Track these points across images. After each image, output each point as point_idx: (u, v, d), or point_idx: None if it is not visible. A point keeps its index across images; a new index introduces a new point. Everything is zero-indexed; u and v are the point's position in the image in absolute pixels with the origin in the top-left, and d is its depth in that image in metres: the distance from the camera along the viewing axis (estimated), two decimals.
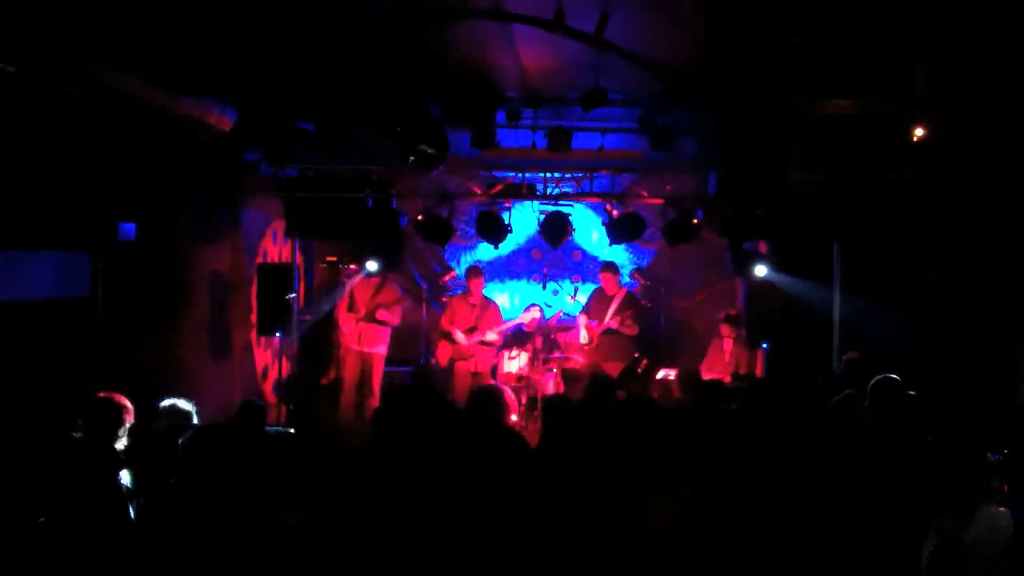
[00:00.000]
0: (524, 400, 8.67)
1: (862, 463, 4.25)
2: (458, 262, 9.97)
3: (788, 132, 7.24)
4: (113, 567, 3.66)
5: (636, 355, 8.40)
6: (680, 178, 9.18)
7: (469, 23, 5.94)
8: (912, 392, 4.54)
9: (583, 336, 8.94)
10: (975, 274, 7.59)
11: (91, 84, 5.07)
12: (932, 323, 7.62)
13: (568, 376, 8.75)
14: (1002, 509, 3.81)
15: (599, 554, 3.83)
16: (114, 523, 3.84)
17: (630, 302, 8.85)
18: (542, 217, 8.36)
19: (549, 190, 8.80)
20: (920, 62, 6.39)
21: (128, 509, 3.94)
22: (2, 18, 4.27)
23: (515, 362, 9.09)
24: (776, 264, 8.12)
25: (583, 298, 9.41)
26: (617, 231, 8.30)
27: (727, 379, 7.69)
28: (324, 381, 9.16)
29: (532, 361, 8.96)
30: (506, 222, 8.20)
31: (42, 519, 3.75)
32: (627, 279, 9.56)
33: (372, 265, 8.24)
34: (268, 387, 8.84)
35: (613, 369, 8.09)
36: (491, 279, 9.78)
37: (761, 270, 8.08)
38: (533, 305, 9.26)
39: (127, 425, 4.25)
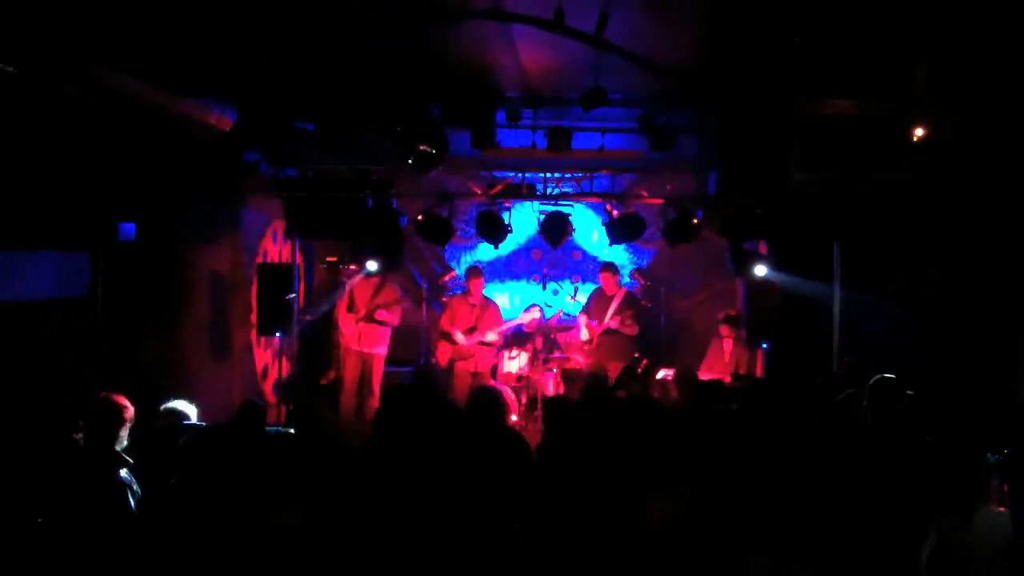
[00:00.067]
0: (524, 400, 8.68)
1: (862, 463, 4.25)
2: (458, 262, 9.97)
3: (788, 132, 7.24)
4: (114, 567, 3.66)
5: (636, 355, 8.40)
6: (680, 178, 9.17)
7: (469, 23, 5.94)
8: (910, 392, 4.53)
9: (583, 333, 8.94)
10: (975, 274, 7.59)
11: (91, 84, 5.08)
12: (932, 323, 7.62)
13: (568, 376, 8.75)
14: (1002, 509, 3.81)
15: (599, 554, 3.83)
16: (115, 523, 3.84)
17: (630, 302, 8.85)
18: (542, 217, 8.36)
19: (549, 190, 8.80)
20: (920, 62, 6.39)
21: (129, 509, 3.94)
22: (2, 18, 4.27)
23: (515, 362, 9.09)
24: (776, 264, 8.12)
25: (583, 298, 9.41)
26: (617, 231, 8.30)
27: (727, 379, 7.70)
28: (324, 381, 9.16)
29: (532, 361, 8.97)
30: (506, 222, 8.20)
31: (41, 519, 3.75)
32: (627, 279, 9.56)
33: (372, 265, 8.24)
34: (268, 387, 8.84)
35: (613, 369, 8.09)
36: (491, 279, 9.78)
37: (761, 270, 8.09)
38: (533, 305, 9.26)
39: (128, 425, 4.25)
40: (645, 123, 7.33)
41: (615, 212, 8.40)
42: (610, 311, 8.76)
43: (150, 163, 6.26)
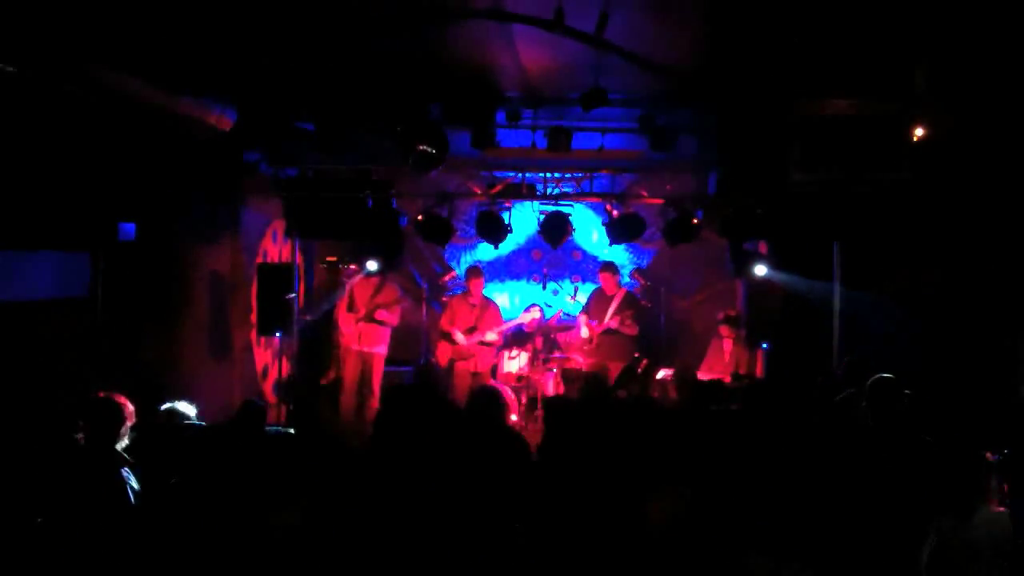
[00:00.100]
0: (524, 400, 8.68)
1: (862, 463, 4.25)
2: (458, 262, 9.97)
3: (788, 132, 7.24)
4: (114, 566, 3.66)
5: (636, 355, 8.40)
6: (680, 178, 9.18)
7: (469, 23, 5.94)
8: (907, 391, 4.53)
9: (584, 332, 8.94)
10: (975, 274, 7.59)
11: (91, 84, 5.07)
12: (932, 323, 7.62)
13: (568, 376, 8.74)
14: (1002, 509, 3.81)
15: (599, 554, 3.83)
16: (115, 523, 3.84)
17: (630, 302, 8.85)
18: (542, 217, 8.36)
19: (549, 190, 8.80)
20: (920, 62, 6.39)
21: (129, 509, 3.94)
22: (2, 18, 4.27)
23: (515, 362, 9.09)
24: (776, 264, 8.12)
25: (583, 298, 9.41)
26: (617, 231, 8.30)
27: (727, 379, 7.70)
28: (324, 381, 9.16)
29: (532, 361, 8.97)
30: (506, 222, 8.20)
31: (40, 520, 3.75)
32: (627, 279, 9.56)
33: (372, 265, 8.24)
34: (268, 387, 8.84)
35: (613, 369, 8.09)
36: (491, 279, 9.78)
37: (761, 270, 8.09)
38: (533, 305, 9.26)
39: (128, 425, 4.26)
40: (645, 123, 7.33)
41: (615, 212, 8.40)
42: (610, 311, 8.76)
43: (150, 163, 6.26)
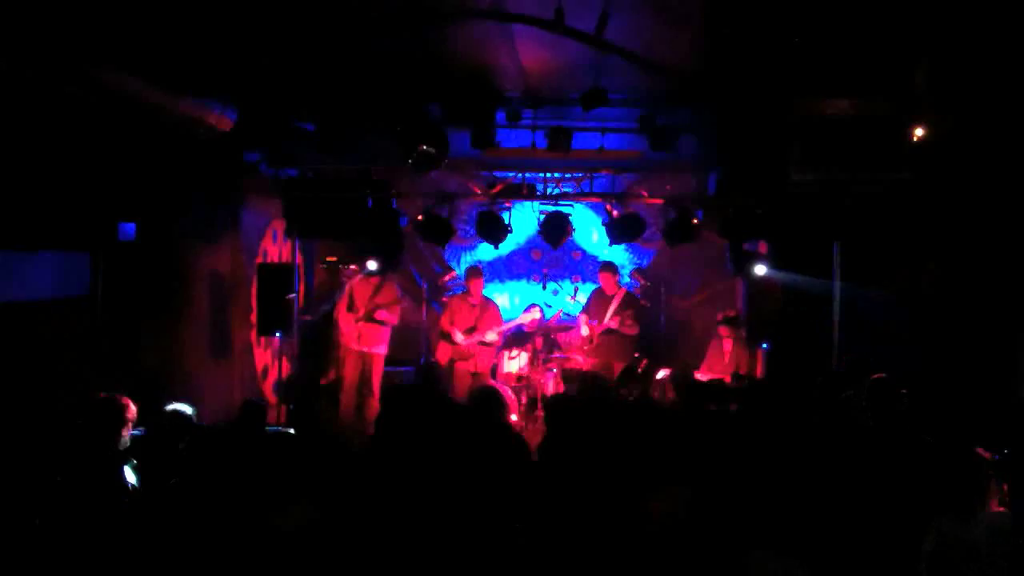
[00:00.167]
0: (524, 400, 8.68)
1: (862, 463, 4.25)
2: (458, 262, 9.97)
3: (788, 132, 7.24)
4: (115, 566, 3.66)
5: (636, 355, 8.41)
6: (680, 178, 9.19)
7: (469, 23, 5.94)
8: (904, 390, 4.54)
9: (584, 330, 8.94)
10: (975, 274, 7.59)
11: (91, 84, 5.07)
12: (932, 323, 7.62)
13: (568, 376, 8.75)
14: (1002, 509, 3.81)
15: (600, 554, 3.83)
16: (117, 522, 3.84)
17: (630, 302, 8.85)
18: (542, 217, 8.36)
19: (549, 190, 8.80)
20: (920, 62, 6.39)
21: (131, 508, 3.94)
22: (2, 18, 4.27)
23: (515, 362, 9.09)
24: (776, 264, 8.12)
25: (583, 298, 9.41)
26: (617, 231, 8.31)
27: (727, 379, 7.70)
28: (324, 381, 9.16)
29: (532, 361, 8.97)
30: (506, 222, 8.20)
31: (39, 520, 3.75)
32: (627, 279, 9.56)
33: (372, 265, 8.25)
34: (268, 387, 8.84)
35: (616, 369, 8.10)
36: (491, 279, 9.79)
37: (761, 270, 8.10)
38: (533, 305, 9.26)
39: (130, 425, 4.27)
40: (645, 123, 7.33)
41: (615, 212, 8.40)
42: (610, 311, 8.76)
43: (150, 163, 6.25)
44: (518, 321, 8.97)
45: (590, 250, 10.06)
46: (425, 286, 9.55)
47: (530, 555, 3.84)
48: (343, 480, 4.02)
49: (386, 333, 8.56)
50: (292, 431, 5.40)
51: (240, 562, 3.54)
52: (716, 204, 8.24)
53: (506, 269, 10.10)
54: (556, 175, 8.98)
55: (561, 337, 9.55)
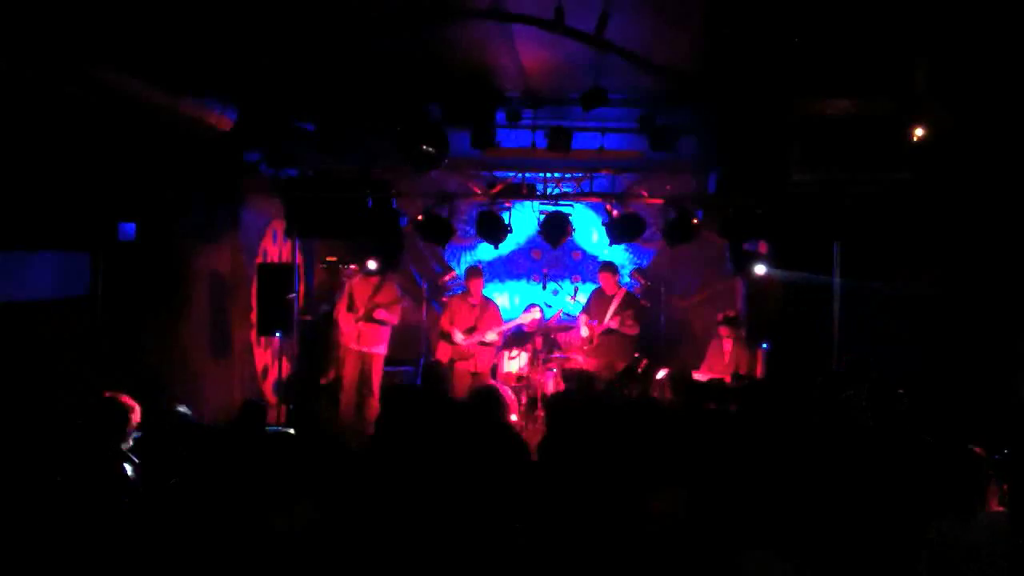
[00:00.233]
0: (524, 400, 8.68)
1: (862, 463, 4.25)
2: (458, 262, 9.98)
3: (788, 132, 7.24)
4: (116, 566, 3.66)
5: (636, 355, 8.41)
6: (680, 178, 9.19)
7: (469, 23, 5.94)
8: (901, 390, 4.54)
9: (584, 331, 8.94)
10: (975, 274, 7.59)
11: (91, 84, 5.07)
12: (932, 323, 7.62)
13: (568, 376, 8.75)
14: (1002, 509, 3.81)
15: (600, 553, 3.83)
16: (117, 523, 3.84)
17: (630, 302, 8.85)
18: (542, 217, 8.36)
19: (549, 190, 8.80)
20: (920, 61, 6.39)
21: (134, 507, 3.94)
22: (2, 18, 4.27)
23: (515, 362, 9.09)
24: (776, 264, 8.13)
25: (583, 298, 9.42)
26: (617, 231, 8.31)
27: (727, 379, 7.69)
28: (324, 381, 9.17)
29: (532, 361, 8.97)
30: (506, 222, 8.20)
31: (40, 520, 3.75)
32: (627, 279, 9.56)
33: (372, 265, 8.25)
34: (268, 387, 8.85)
35: (616, 368, 8.10)
36: (491, 279, 9.79)
37: (761, 270, 8.10)
38: (533, 305, 9.26)
39: (134, 426, 4.28)
40: (645, 123, 7.33)
41: (615, 212, 8.41)
42: (610, 311, 8.76)
43: (150, 163, 6.26)
44: (518, 321, 8.97)
45: (590, 250, 10.06)
46: (425, 286, 9.55)
47: (530, 555, 3.84)
48: (343, 480, 4.02)
49: (386, 333, 8.56)
50: (292, 431, 5.39)
51: (240, 562, 3.54)
52: (716, 204, 8.24)
53: (506, 269, 10.10)
54: (556, 175, 8.98)
55: (561, 337, 9.55)
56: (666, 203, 8.51)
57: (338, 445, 4.78)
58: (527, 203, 9.03)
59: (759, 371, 8.50)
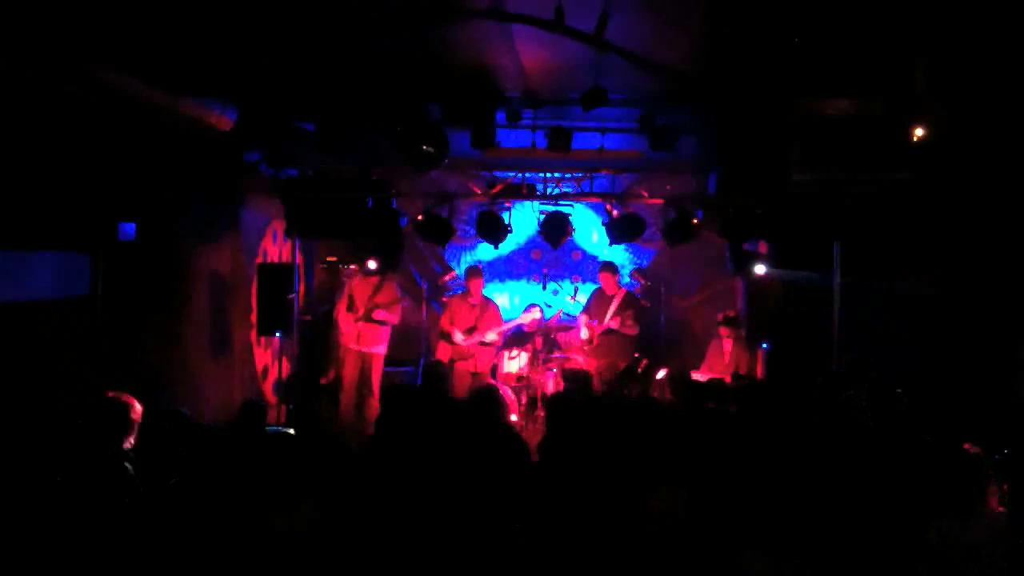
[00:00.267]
0: (524, 400, 8.68)
1: (862, 463, 4.25)
2: (458, 262, 9.98)
3: (788, 132, 7.24)
4: (115, 566, 3.66)
5: (636, 355, 8.41)
6: (680, 178, 9.19)
7: (469, 23, 5.94)
8: (899, 390, 4.54)
9: (584, 332, 8.95)
10: (975, 274, 7.59)
11: (91, 84, 5.07)
12: (932, 323, 7.62)
13: (568, 376, 8.75)
14: (1002, 509, 3.81)
15: (599, 554, 3.83)
16: (117, 523, 3.84)
17: (630, 302, 8.85)
18: (542, 217, 8.36)
19: (549, 190, 8.81)
20: (919, 61, 6.39)
21: (137, 507, 3.95)
22: (2, 17, 4.27)
23: (515, 362, 9.09)
24: (776, 264, 8.13)
25: (583, 298, 9.42)
26: (617, 231, 8.31)
27: (727, 379, 7.69)
28: (324, 381, 9.17)
29: (532, 361, 8.97)
30: (506, 222, 8.20)
31: (39, 520, 3.75)
32: (627, 279, 9.56)
33: (372, 265, 8.25)
34: (268, 387, 8.85)
35: (618, 368, 8.10)
36: (491, 279, 9.79)
37: (761, 269, 8.10)
38: (533, 305, 9.26)
39: (136, 425, 4.28)
40: (645, 123, 7.34)
41: (615, 212, 8.41)
42: (610, 311, 8.77)
43: (150, 163, 6.26)
44: (518, 321, 8.97)
45: (590, 250, 10.06)
46: (425, 286, 9.55)
47: (530, 555, 3.84)
48: (343, 480, 4.02)
49: (386, 333, 8.56)
50: (292, 431, 5.39)
51: (240, 562, 3.54)
52: (716, 204, 8.24)
53: (506, 269, 10.10)
54: (556, 175, 8.98)
55: (561, 337, 9.55)
56: (666, 203, 8.51)
57: (338, 445, 4.78)
58: (527, 203, 9.03)
59: (759, 371, 8.50)
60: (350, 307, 8.54)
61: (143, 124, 5.89)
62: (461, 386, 8.36)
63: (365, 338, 8.44)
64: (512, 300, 10.03)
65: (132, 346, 6.21)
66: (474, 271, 8.87)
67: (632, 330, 8.64)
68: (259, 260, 8.61)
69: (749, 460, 4.36)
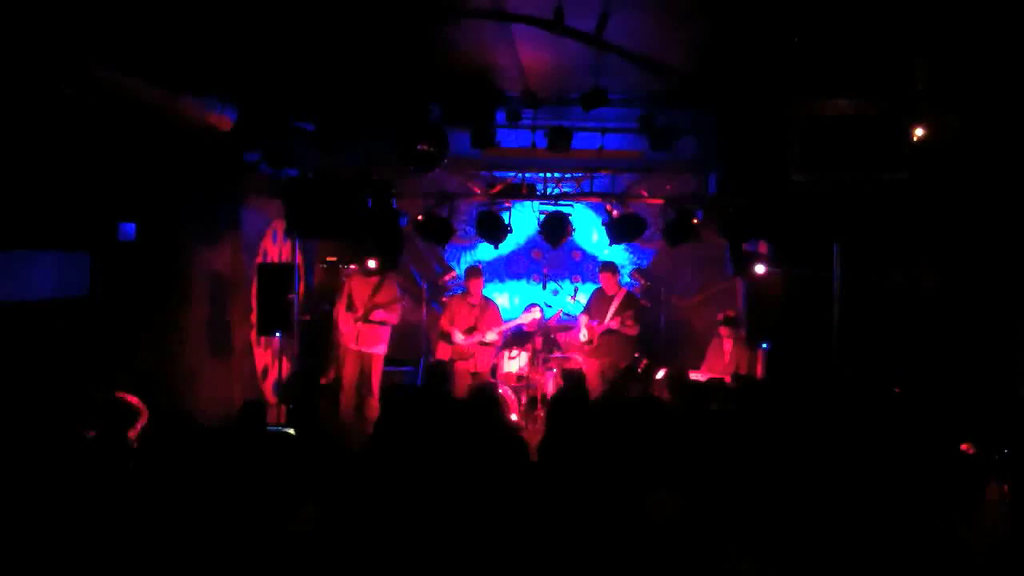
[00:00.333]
0: (524, 400, 8.68)
1: (862, 463, 4.25)
2: (458, 262, 9.98)
3: (788, 132, 7.24)
4: (115, 566, 3.66)
5: (636, 355, 8.41)
6: (680, 178, 9.20)
7: (469, 23, 5.94)
8: (897, 390, 4.54)
9: (583, 334, 8.95)
10: (975, 274, 7.59)
11: (91, 84, 5.07)
12: (932, 323, 7.62)
13: (568, 376, 8.75)
14: (1001, 509, 3.81)
15: (599, 554, 3.83)
16: (119, 522, 3.84)
17: (630, 302, 8.86)
18: (542, 217, 8.37)
19: (549, 190, 8.81)
20: (920, 61, 6.39)
21: (133, 507, 3.94)
22: (2, 17, 4.27)
23: (515, 362, 9.10)
24: (776, 264, 8.13)
25: (583, 298, 9.42)
26: (617, 231, 8.31)
27: (728, 379, 7.69)
28: (324, 381, 9.17)
29: (532, 361, 8.97)
30: (506, 222, 8.20)
31: (44, 519, 3.76)
32: (627, 279, 9.57)
33: (372, 265, 8.25)
34: (268, 387, 8.85)
35: (620, 367, 8.11)
36: (491, 279, 9.79)
37: (761, 270, 8.10)
38: (533, 305, 9.27)
39: (140, 425, 4.28)
40: (645, 123, 7.34)
41: (615, 212, 8.41)
42: (610, 311, 8.77)
43: (150, 163, 6.25)
44: (518, 321, 8.98)
45: (590, 250, 10.06)
46: (425, 286, 9.56)
47: (529, 555, 3.84)
48: (343, 480, 4.02)
49: (385, 333, 8.56)
50: (292, 431, 5.40)
51: (240, 562, 3.54)
52: (716, 204, 8.25)
53: (506, 269, 10.11)
54: (556, 175, 8.99)
55: (561, 337, 9.56)
56: (666, 203, 8.52)
57: (338, 445, 4.78)
58: (527, 203, 9.03)
59: (759, 371, 8.50)
60: (349, 307, 8.54)
61: (143, 124, 5.89)
62: (461, 386, 8.37)
63: (364, 338, 8.44)
64: (512, 300, 10.04)
65: (132, 346, 6.21)
66: (474, 271, 8.88)
67: (632, 330, 8.65)
68: (259, 260, 8.60)
69: (749, 461, 4.36)
